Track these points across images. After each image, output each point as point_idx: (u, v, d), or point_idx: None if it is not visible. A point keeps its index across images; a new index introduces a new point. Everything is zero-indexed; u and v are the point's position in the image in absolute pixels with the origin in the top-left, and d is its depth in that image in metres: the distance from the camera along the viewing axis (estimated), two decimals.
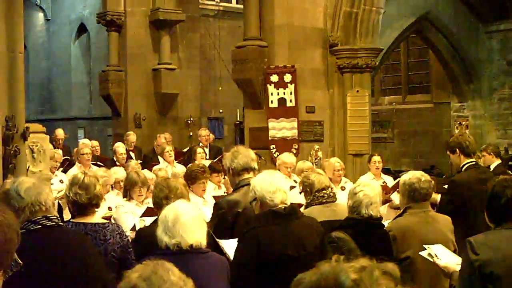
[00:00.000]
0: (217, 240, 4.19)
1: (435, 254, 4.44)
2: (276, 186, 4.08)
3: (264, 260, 3.93)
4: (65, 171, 9.66)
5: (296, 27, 11.24)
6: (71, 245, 3.49)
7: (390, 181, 8.71)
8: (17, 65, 5.27)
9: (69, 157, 11.36)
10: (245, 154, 4.93)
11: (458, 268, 4.11)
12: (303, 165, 8.35)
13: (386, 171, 10.92)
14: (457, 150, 6.67)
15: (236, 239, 4.25)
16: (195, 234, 3.60)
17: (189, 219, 3.61)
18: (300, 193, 5.93)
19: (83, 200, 4.27)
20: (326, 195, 5.46)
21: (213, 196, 6.92)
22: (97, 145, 12.32)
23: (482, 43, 16.69)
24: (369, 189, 4.57)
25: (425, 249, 4.56)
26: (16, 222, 2.09)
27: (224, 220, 4.71)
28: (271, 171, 4.45)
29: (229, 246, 4.33)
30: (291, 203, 4.25)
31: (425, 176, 5.09)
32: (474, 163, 6.77)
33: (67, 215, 6.99)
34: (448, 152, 6.81)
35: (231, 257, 4.12)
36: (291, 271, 1.40)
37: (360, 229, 4.40)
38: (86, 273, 3.44)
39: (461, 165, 6.66)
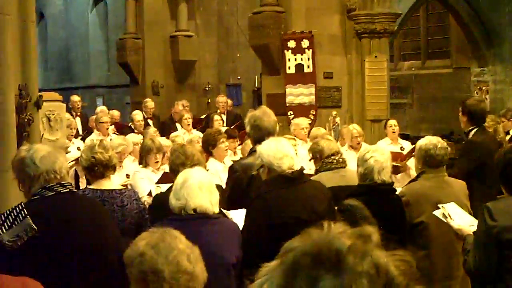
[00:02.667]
0: (224, 211, 4.20)
1: (449, 214, 4.42)
2: (282, 152, 4.06)
3: (275, 224, 3.90)
4: (83, 139, 9.74)
5: None
6: (85, 211, 3.52)
7: (408, 146, 8.64)
8: (29, 34, 5.26)
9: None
10: (267, 124, 4.91)
11: (471, 230, 4.10)
12: (317, 132, 8.05)
13: (405, 136, 10.86)
14: (468, 116, 6.56)
15: (244, 209, 4.26)
16: (200, 198, 3.61)
17: (195, 183, 3.63)
18: (310, 160, 5.88)
19: (105, 158, 4.31)
20: (335, 160, 5.43)
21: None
22: (118, 115, 12.38)
23: (503, 7, 16.34)
24: (379, 154, 4.53)
25: (439, 208, 4.55)
26: None
27: (239, 182, 4.76)
28: (277, 138, 4.44)
29: (237, 216, 4.34)
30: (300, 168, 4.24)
31: (441, 143, 5.04)
32: (480, 128, 6.72)
33: (83, 184, 7.08)
34: (460, 113, 6.69)
35: (240, 227, 4.09)
36: None
37: (373, 196, 4.38)
38: (100, 238, 3.48)
39: (467, 130, 6.57)
